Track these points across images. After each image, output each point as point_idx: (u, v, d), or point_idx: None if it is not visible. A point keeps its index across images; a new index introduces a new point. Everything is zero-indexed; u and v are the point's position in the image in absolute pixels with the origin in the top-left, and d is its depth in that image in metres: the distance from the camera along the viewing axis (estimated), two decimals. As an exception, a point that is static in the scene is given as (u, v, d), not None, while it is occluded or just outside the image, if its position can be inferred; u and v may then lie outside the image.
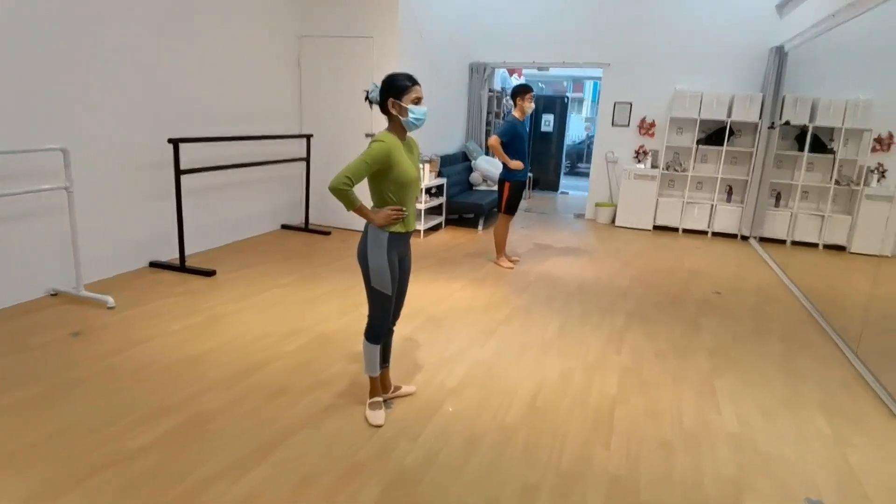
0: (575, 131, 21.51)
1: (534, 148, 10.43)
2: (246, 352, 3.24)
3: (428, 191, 6.51)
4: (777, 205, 7.11)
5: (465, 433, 2.54)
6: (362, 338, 2.61)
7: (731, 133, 7.18)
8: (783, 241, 7.03)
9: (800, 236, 6.96)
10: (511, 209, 5.29)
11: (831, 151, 6.86)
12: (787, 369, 3.39)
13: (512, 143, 5.10)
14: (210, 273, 4.51)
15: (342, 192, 2.30)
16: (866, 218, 6.68)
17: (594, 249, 6.22)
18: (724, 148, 7.13)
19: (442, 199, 6.75)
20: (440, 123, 7.27)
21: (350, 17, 5.96)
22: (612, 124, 7.74)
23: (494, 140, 5.06)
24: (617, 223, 7.59)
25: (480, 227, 7.00)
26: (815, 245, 6.87)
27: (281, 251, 5.39)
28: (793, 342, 3.84)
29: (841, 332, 3.99)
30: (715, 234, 7.34)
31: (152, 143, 4.52)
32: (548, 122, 10.33)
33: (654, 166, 7.45)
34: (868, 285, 5.35)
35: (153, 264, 4.65)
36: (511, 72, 9.52)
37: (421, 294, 4.41)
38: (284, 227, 6.26)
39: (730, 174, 7.29)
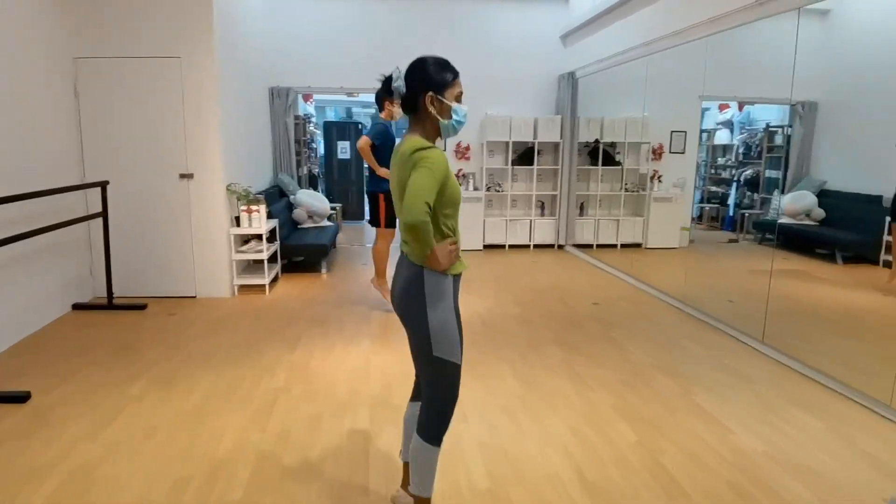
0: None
1: (334, 175, 9.80)
2: (177, 522, 2.11)
3: (260, 237, 5.45)
4: (582, 214, 7.88)
5: (567, 548, 2.01)
6: (420, 441, 1.84)
7: (539, 153, 7.72)
8: (591, 246, 7.82)
9: (603, 240, 7.84)
10: (392, 222, 4.74)
11: (618, 163, 7.87)
12: (730, 372, 3.61)
13: (384, 146, 4.57)
14: (22, 397, 2.94)
15: (426, 225, 1.61)
16: (655, 217, 7.80)
17: (453, 278, 5.99)
18: (535, 167, 7.63)
19: (276, 245, 5.75)
20: (250, 156, 6.20)
21: (147, 34, 4.64)
22: (429, 149, 7.65)
23: (364, 142, 4.47)
24: (450, 247, 7.51)
25: (324, 270, 6.18)
26: (614, 245, 7.80)
27: (99, 344, 3.87)
28: (703, 343, 4.15)
29: (734, 323, 4.45)
30: (536, 246, 7.80)
31: None
32: (344, 149, 9.80)
33: (475, 189, 7.58)
34: (715, 277, 6.12)
35: None
36: (306, 98, 8.77)
37: (336, 370, 3.58)
38: (77, 306, 4.56)
39: (541, 191, 7.82)
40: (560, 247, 7.84)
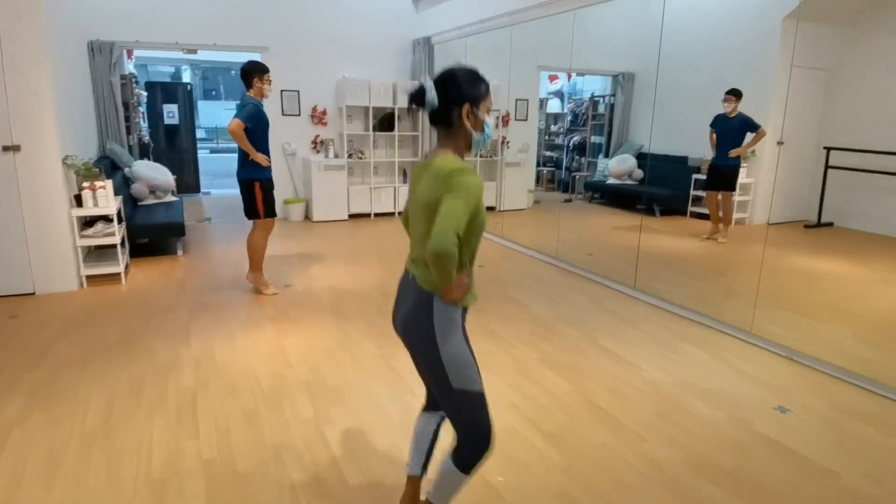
0: (206, 120, 18.65)
1: (162, 143, 8.67)
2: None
3: (107, 218, 4.68)
4: (441, 179, 8.06)
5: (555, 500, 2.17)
6: (452, 468, 1.74)
7: (399, 119, 7.67)
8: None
9: (461, 204, 8.14)
10: (272, 211, 4.35)
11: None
12: (617, 316, 4.06)
13: (259, 129, 4.12)
14: None
15: (454, 257, 1.51)
16: (507, 181, 8.28)
17: (330, 249, 5.79)
18: (397, 133, 7.58)
19: (123, 227, 4.99)
20: (77, 123, 5.24)
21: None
22: (283, 114, 7.16)
23: (238, 125, 3.96)
24: (314, 218, 7.19)
25: (180, 251, 5.54)
26: (471, 209, 8.16)
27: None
28: (585, 293, 4.58)
29: (604, 273, 4.95)
30: (401, 213, 7.82)
31: None
32: (171, 112, 8.69)
33: (336, 156, 7.31)
34: (568, 233, 6.60)
35: None
36: (130, 54, 7.52)
37: (249, 359, 3.31)
38: None
39: (403, 157, 7.81)
40: (422, 212, 7.97)
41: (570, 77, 10.48)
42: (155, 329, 3.67)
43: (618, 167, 8.86)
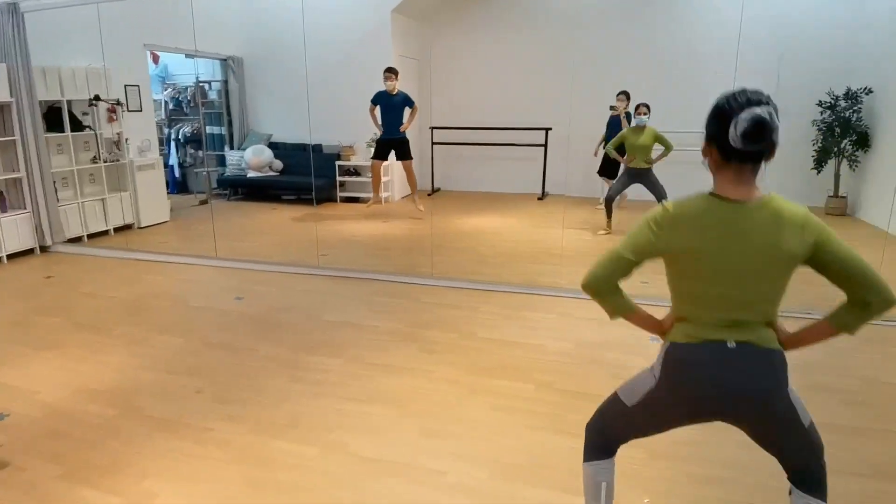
0: None
1: None
2: None
3: None
4: (58, 199, 5.89)
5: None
6: None
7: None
8: (80, 238, 6.11)
9: (92, 227, 6.25)
10: None
11: (88, 127, 6.24)
12: (444, 306, 4.12)
13: None
14: None
15: None
16: (142, 190, 6.82)
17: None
18: (-20, 139, 5.05)
19: None
20: None
21: None
22: None
23: None
24: None
25: None
26: (106, 232, 6.44)
27: None
28: (386, 295, 4.38)
29: (374, 268, 4.81)
30: (10, 256, 5.35)
31: None
32: None
33: None
34: (258, 237, 5.83)
35: None
36: None
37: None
38: None
39: (-6, 174, 5.29)
40: (44, 249, 5.68)
41: (156, 59, 8.87)
42: None
43: (256, 159, 8.32)
